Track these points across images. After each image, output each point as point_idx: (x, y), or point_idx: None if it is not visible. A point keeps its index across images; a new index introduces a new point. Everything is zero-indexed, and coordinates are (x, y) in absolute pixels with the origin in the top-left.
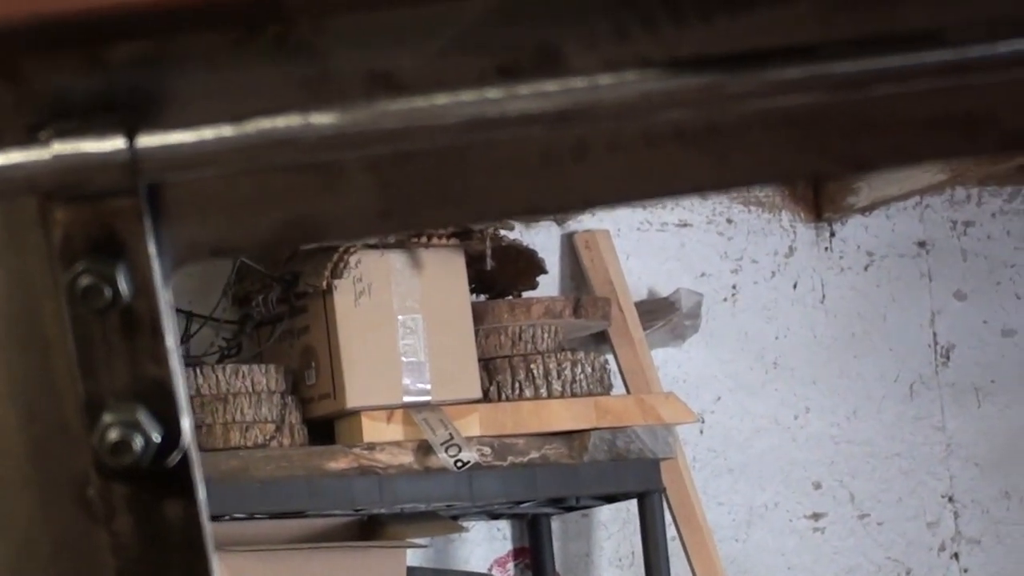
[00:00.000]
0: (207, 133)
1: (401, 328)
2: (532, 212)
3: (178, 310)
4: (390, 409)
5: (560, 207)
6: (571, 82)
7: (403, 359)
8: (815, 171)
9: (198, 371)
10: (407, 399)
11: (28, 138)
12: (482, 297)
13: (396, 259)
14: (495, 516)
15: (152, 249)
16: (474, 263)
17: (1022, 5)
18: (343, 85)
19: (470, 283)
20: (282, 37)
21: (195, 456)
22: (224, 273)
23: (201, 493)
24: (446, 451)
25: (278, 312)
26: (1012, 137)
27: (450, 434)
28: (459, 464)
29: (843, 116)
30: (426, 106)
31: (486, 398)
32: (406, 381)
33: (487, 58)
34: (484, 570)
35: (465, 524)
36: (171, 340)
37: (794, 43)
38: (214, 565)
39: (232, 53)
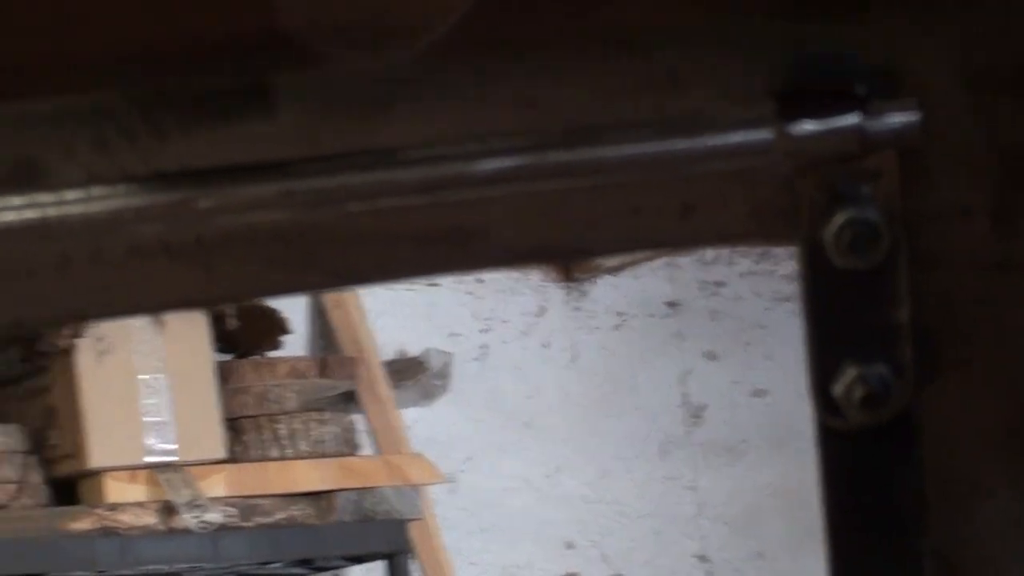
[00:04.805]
0: None
1: (144, 388)
2: (20, 325)
3: None
4: (133, 469)
5: (49, 320)
6: (39, 197)
7: (146, 419)
8: (305, 285)
9: None
10: (150, 459)
11: None
12: (227, 357)
13: (138, 318)
14: None
15: None
16: (218, 323)
17: (489, 124)
18: None
19: (215, 343)
20: None
21: None
22: None
23: None
24: (190, 512)
25: (20, 371)
26: (505, 250)
27: (194, 494)
28: (203, 525)
29: (328, 231)
30: None
31: (231, 458)
32: (150, 441)
33: None
34: None
35: None
36: None
37: (272, 159)
38: None
39: None
